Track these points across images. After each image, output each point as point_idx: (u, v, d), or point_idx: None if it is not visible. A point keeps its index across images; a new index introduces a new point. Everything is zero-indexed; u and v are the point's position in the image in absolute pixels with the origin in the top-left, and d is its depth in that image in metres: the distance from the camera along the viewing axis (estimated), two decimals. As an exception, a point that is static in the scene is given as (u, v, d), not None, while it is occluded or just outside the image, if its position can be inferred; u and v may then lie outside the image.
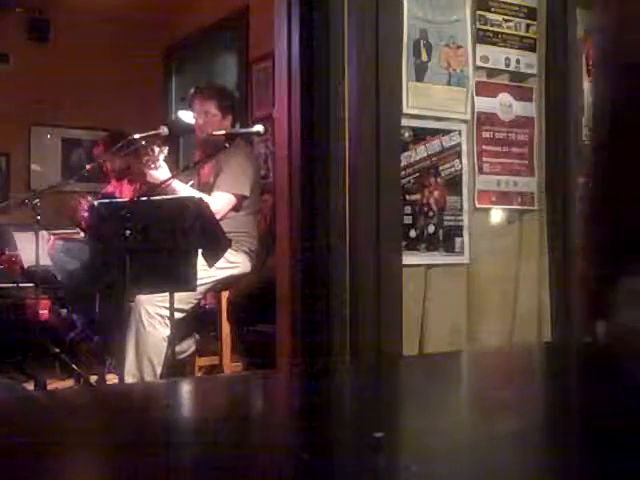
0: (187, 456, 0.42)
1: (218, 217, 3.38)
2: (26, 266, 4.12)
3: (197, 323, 3.71)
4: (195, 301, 3.49)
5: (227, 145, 3.30)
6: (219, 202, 3.49)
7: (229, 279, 3.54)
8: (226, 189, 3.56)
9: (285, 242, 2.55)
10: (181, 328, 3.39)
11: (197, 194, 3.44)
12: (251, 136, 4.43)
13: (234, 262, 3.53)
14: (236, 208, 3.59)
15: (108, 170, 4.57)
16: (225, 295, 3.59)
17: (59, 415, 0.54)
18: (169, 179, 3.30)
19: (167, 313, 3.35)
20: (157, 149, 3.41)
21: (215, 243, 2.98)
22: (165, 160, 3.44)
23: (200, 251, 2.89)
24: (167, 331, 3.39)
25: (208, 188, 3.58)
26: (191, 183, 3.67)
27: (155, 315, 3.35)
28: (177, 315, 3.30)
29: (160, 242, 2.76)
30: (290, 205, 2.50)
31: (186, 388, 0.72)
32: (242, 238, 3.61)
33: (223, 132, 3.57)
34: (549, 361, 0.72)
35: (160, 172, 3.42)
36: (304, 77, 2.44)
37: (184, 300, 3.30)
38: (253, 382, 0.74)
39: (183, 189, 3.47)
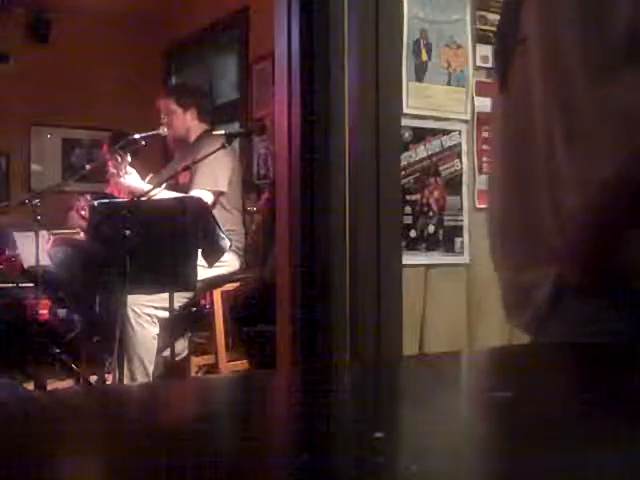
0: (185, 456, 0.42)
1: None
2: (26, 266, 4.12)
3: (189, 322, 3.72)
4: (184, 300, 3.50)
5: (226, 145, 3.31)
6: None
7: (217, 278, 3.55)
8: (203, 186, 3.59)
9: (285, 242, 2.55)
10: (170, 328, 3.40)
11: (174, 195, 3.47)
12: (251, 136, 4.44)
13: (222, 261, 3.53)
14: (213, 204, 3.61)
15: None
16: (218, 294, 3.59)
17: (59, 415, 0.54)
18: (152, 189, 3.31)
19: (154, 312, 3.38)
20: (119, 158, 3.44)
21: (215, 243, 2.98)
22: (132, 166, 3.48)
23: (200, 251, 2.90)
24: (156, 329, 3.41)
25: (186, 188, 3.61)
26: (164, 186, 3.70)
27: (142, 314, 3.37)
28: (164, 314, 3.31)
29: (160, 242, 2.77)
30: (290, 205, 2.50)
31: (184, 388, 0.72)
32: (230, 236, 3.61)
33: (222, 132, 3.59)
34: (549, 360, 0.72)
35: (129, 179, 3.46)
36: (304, 77, 2.44)
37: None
38: (252, 382, 0.73)
39: (162, 195, 3.48)
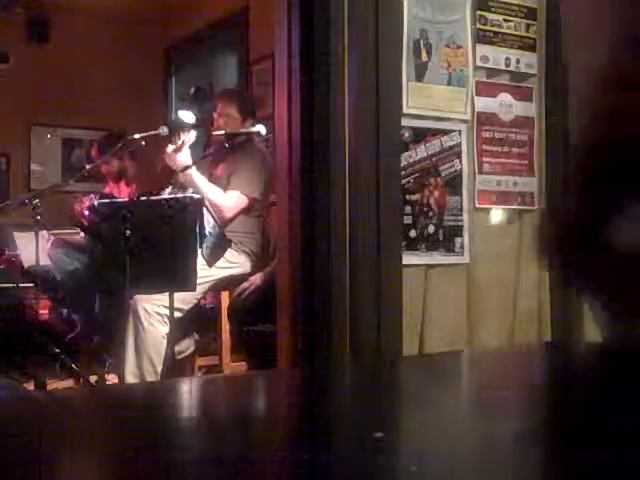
0: (187, 455, 0.42)
1: (230, 215, 3.46)
2: (26, 266, 4.11)
3: (197, 322, 3.71)
4: (195, 301, 3.49)
5: (226, 145, 3.31)
6: (233, 200, 3.53)
7: (229, 279, 3.55)
8: (240, 189, 3.59)
9: (285, 242, 2.55)
10: (180, 327, 3.39)
11: (215, 188, 3.48)
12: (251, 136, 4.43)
13: (235, 262, 3.54)
14: (246, 210, 3.61)
15: (104, 172, 4.56)
16: (225, 295, 3.59)
17: (59, 415, 0.54)
18: (189, 166, 3.32)
19: (166, 312, 3.37)
20: (183, 135, 3.45)
21: (215, 243, 2.98)
22: (190, 147, 3.48)
23: (200, 251, 2.90)
24: (166, 329, 3.40)
25: (221, 185, 3.59)
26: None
27: (154, 313, 3.36)
28: (176, 314, 3.30)
29: (160, 242, 2.76)
30: (290, 205, 2.50)
31: (187, 388, 0.72)
32: (245, 239, 3.61)
33: (222, 132, 3.58)
34: (549, 361, 0.72)
35: (182, 156, 3.46)
36: (304, 77, 2.44)
37: (184, 300, 3.31)
38: (253, 382, 0.74)
39: (202, 181, 3.48)
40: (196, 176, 3.47)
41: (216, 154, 3.79)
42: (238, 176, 3.61)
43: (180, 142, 3.46)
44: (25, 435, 0.47)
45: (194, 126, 3.71)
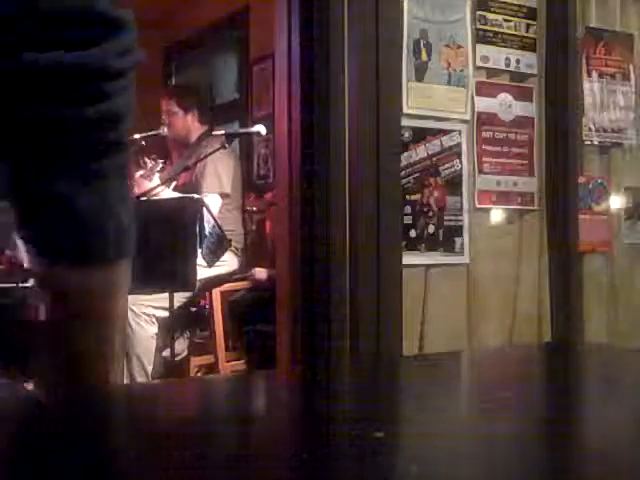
0: (185, 456, 0.42)
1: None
2: (26, 266, 4.11)
3: (190, 322, 3.72)
4: (183, 300, 3.50)
5: (226, 145, 3.31)
6: (212, 204, 3.53)
7: (216, 278, 3.55)
8: (213, 190, 3.60)
9: (285, 242, 2.55)
10: (169, 327, 3.40)
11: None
12: (251, 136, 4.44)
13: (221, 260, 3.53)
14: (222, 207, 3.63)
15: None
16: (217, 294, 3.59)
17: (59, 415, 0.54)
18: (157, 186, 3.33)
19: (153, 312, 3.38)
20: (150, 163, 3.45)
21: (214, 243, 2.98)
22: (159, 171, 3.49)
23: (200, 251, 2.90)
24: (154, 329, 3.42)
25: (192, 189, 3.61)
26: (173, 185, 3.71)
27: (141, 314, 3.38)
28: (163, 314, 3.32)
29: (160, 242, 2.77)
30: (290, 205, 2.50)
31: (184, 388, 0.72)
32: (229, 236, 3.62)
33: (223, 132, 3.59)
34: (549, 361, 0.72)
35: (152, 184, 3.48)
36: (304, 77, 2.44)
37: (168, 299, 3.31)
38: (252, 382, 0.74)
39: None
40: (170, 194, 3.48)
41: (177, 157, 3.83)
42: (207, 177, 3.62)
43: (148, 170, 3.47)
44: (24, 435, 0.47)
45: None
